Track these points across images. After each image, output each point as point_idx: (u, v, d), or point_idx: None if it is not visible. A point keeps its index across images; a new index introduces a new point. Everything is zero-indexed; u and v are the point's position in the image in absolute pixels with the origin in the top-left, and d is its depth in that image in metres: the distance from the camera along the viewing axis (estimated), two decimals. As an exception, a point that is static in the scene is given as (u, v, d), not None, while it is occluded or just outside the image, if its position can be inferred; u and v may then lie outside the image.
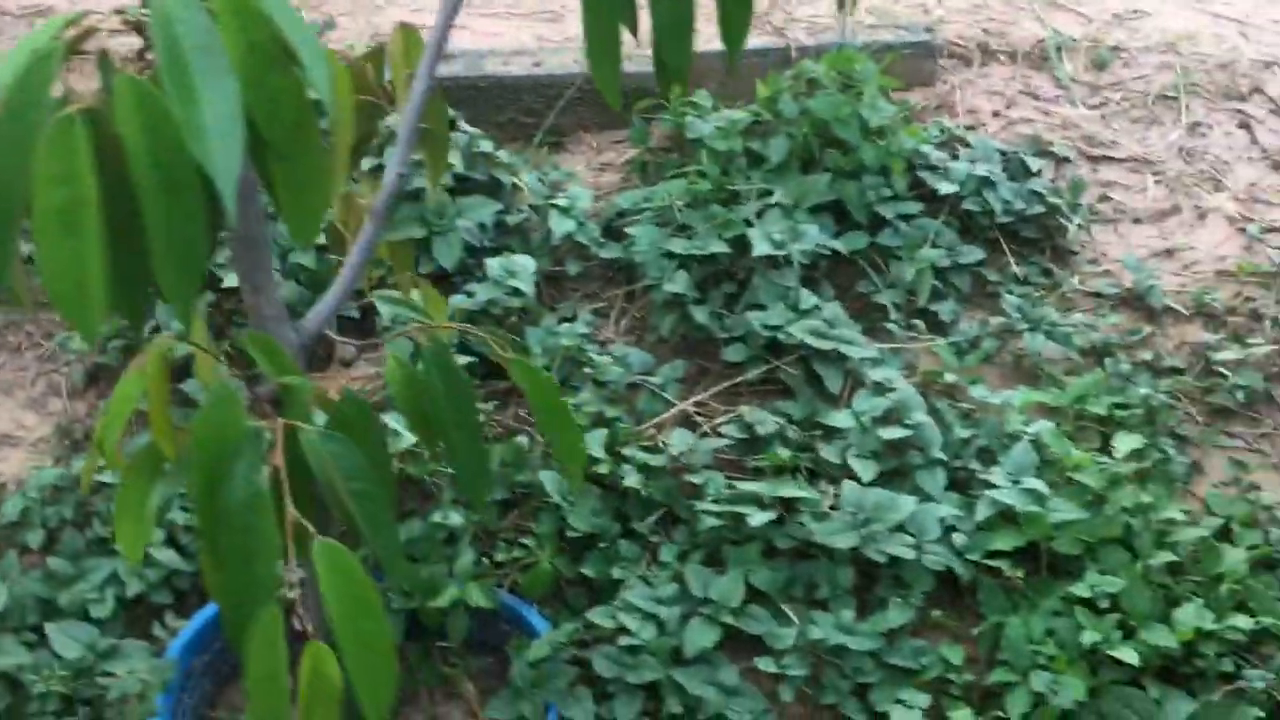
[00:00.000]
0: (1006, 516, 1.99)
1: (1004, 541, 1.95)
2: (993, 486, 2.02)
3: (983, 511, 2.00)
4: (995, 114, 2.89)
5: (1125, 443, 2.03)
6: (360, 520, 1.25)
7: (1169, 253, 2.61)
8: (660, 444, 2.25)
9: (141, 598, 2.09)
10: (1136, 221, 2.69)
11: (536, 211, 2.66)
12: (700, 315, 2.41)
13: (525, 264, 2.44)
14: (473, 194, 2.63)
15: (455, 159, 2.61)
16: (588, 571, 2.08)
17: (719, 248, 2.45)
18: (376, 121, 1.70)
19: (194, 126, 0.99)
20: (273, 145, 1.09)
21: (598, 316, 2.57)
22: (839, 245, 2.49)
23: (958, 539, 2.00)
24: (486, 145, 2.68)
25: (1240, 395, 2.29)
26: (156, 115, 1.00)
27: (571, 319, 2.53)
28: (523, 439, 2.25)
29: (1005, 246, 2.58)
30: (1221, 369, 2.32)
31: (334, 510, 1.29)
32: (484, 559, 2.13)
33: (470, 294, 2.44)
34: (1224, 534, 2.03)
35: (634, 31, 1.43)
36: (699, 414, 2.33)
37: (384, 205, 1.54)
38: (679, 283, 2.43)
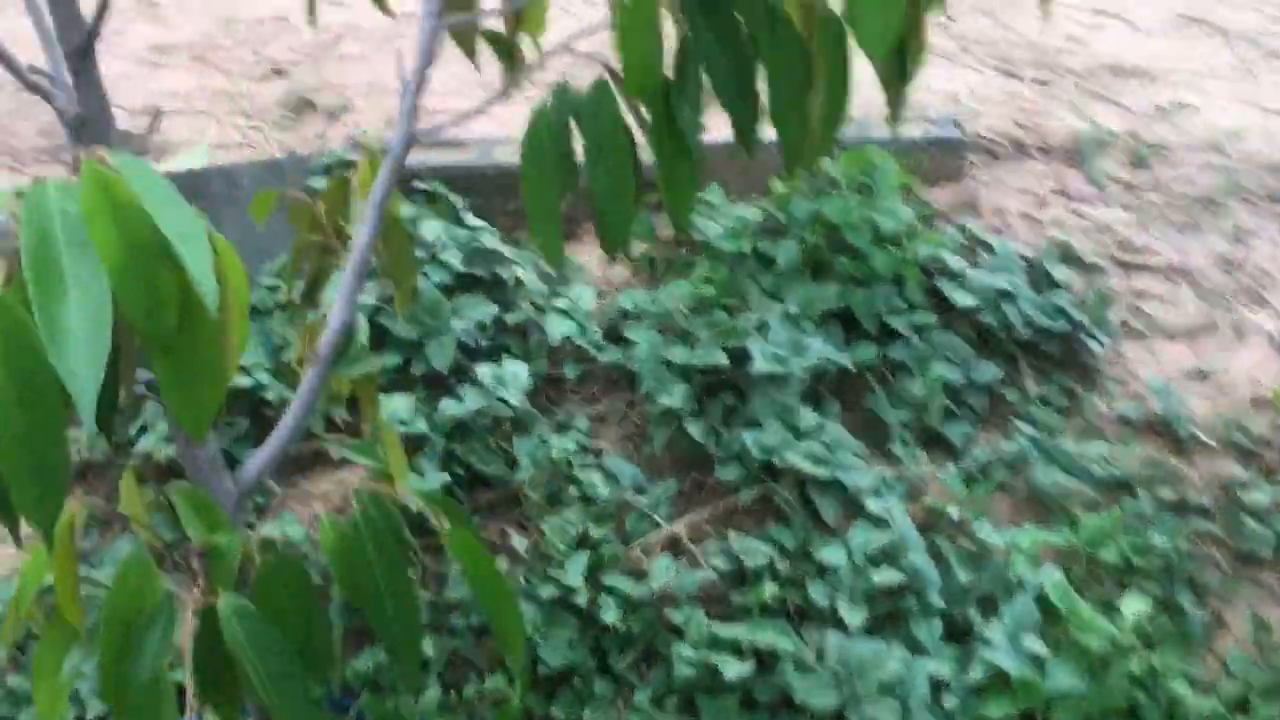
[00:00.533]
0: (1003, 678, 1.85)
1: (997, 708, 1.81)
2: (990, 644, 1.89)
3: (977, 672, 1.86)
4: (1024, 215, 2.76)
5: (1134, 605, 1.89)
6: (273, 706, 1.19)
7: (1201, 374, 2.45)
8: (645, 569, 2.15)
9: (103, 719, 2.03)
10: (1169, 338, 2.53)
11: (538, 309, 2.59)
12: (696, 431, 2.31)
13: (517, 372, 2.36)
14: (474, 290, 2.57)
15: (455, 256, 2.54)
16: (559, 713, 1.98)
17: (719, 359, 2.35)
18: (329, 259, 1.64)
19: (58, 334, 0.93)
20: (153, 343, 1.03)
21: (596, 422, 2.48)
22: (845, 360, 2.37)
23: (949, 701, 1.87)
24: (490, 240, 2.61)
25: (1270, 541, 2.13)
26: (12, 324, 0.94)
27: (567, 426, 2.44)
28: (501, 559, 2.16)
29: (1024, 364, 2.45)
30: (1251, 510, 2.16)
31: (249, 693, 1.23)
32: (453, 691, 2.04)
33: (460, 399, 2.36)
34: (1240, 706, 1.88)
35: (573, 193, 1.35)
36: (689, 538, 2.23)
37: (328, 351, 1.47)
38: (676, 396, 2.33)
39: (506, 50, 1.64)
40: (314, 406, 1.52)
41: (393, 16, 1.68)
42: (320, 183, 2.69)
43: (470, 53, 1.68)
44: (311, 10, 1.60)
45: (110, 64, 3.13)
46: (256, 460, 1.47)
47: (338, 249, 1.61)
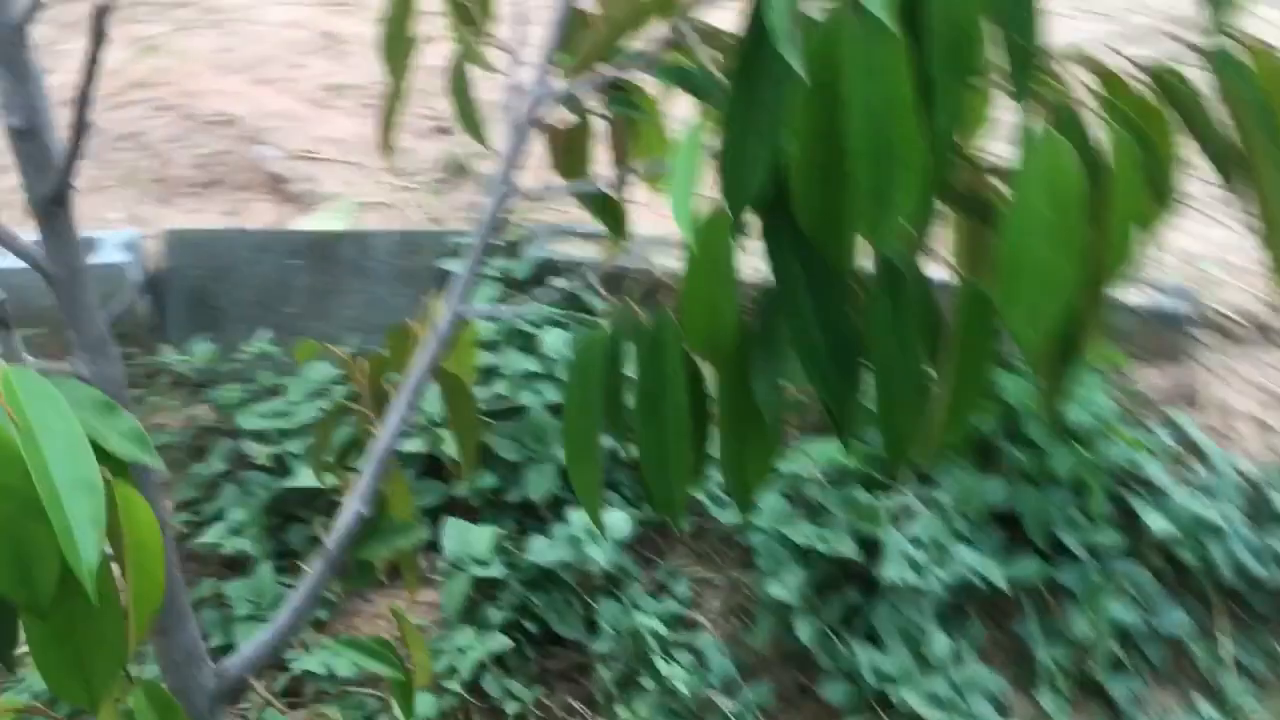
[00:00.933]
0: None
1: None
2: None
3: None
4: (1254, 419, 2.30)
5: None
6: None
7: None
8: (715, 793, 1.84)
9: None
10: None
11: (658, 445, 2.29)
12: (805, 632, 1.98)
13: (615, 522, 2.08)
14: (591, 412, 2.30)
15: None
16: None
17: (847, 548, 2.00)
18: (364, 428, 1.41)
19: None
20: (26, 610, 0.80)
21: (698, 587, 2.18)
22: (999, 575, 1.99)
23: None
24: (620, 357, 2.34)
25: None
26: None
27: (664, 587, 2.14)
28: (552, 751, 1.88)
29: (1225, 615, 2.00)
30: None
31: None
32: None
33: (550, 539, 2.09)
34: None
35: (623, 441, 1.06)
36: (775, 761, 1.90)
37: (338, 543, 1.23)
38: (789, 586, 2.00)
39: (614, 217, 1.37)
40: (316, 601, 1.28)
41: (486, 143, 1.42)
42: (453, 265, 2.48)
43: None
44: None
45: (279, 101, 3.03)
46: (242, 657, 1.24)
47: (373, 420, 1.37)
